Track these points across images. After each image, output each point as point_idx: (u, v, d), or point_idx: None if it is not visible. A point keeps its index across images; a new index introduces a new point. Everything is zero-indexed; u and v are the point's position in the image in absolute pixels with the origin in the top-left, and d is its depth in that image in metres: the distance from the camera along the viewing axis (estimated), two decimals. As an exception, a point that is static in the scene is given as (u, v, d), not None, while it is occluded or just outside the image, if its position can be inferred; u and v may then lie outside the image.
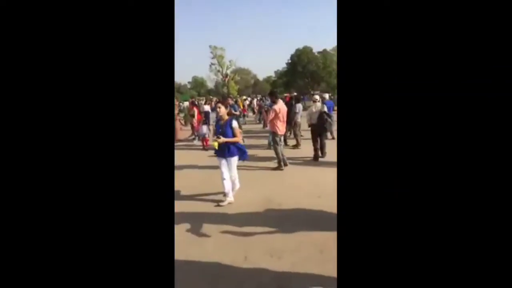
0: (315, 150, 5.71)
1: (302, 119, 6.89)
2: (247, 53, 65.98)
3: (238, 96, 24.49)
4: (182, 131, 9.41)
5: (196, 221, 3.03)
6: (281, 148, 5.07)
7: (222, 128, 3.35)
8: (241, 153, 3.48)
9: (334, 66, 35.09)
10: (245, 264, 2.26)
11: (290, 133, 7.65)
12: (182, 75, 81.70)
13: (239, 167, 3.71)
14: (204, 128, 7.59)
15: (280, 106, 5.10)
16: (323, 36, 72.97)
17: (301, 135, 7.14)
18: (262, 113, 10.21)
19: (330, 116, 5.72)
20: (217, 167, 3.58)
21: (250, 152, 3.94)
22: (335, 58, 35.55)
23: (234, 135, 3.35)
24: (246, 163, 4.40)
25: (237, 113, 7.55)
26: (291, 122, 6.81)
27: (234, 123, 3.40)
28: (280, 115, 5.02)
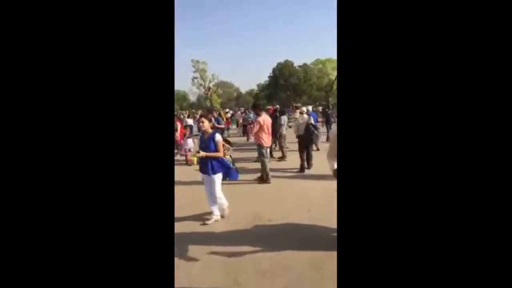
0: (302, 161, 5.71)
1: (289, 130, 6.88)
2: (230, 67, 66.84)
3: (221, 109, 24.47)
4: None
5: (182, 242, 2.82)
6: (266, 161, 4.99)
7: (205, 143, 3.18)
8: (227, 171, 3.25)
9: (315, 80, 36.15)
10: (236, 288, 2.09)
11: (276, 145, 7.62)
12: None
13: (225, 182, 3.51)
14: (189, 142, 7.38)
15: (264, 118, 5.07)
16: (303, 51, 75.45)
17: (287, 147, 7.12)
18: (246, 126, 10.13)
19: (316, 128, 5.77)
20: (202, 183, 3.40)
21: (235, 165, 3.72)
22: (315, 72, 36.81)
23: (217, 150, 3.14)
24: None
25: (222, 126, 7.40)
26: (276, 134, 6.79)
27: (217, 137, 3.20)
28: (264, 127, 4.98)
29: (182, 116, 10.22)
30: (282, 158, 6.84)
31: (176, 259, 2.50)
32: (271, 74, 38.25)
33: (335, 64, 35.48)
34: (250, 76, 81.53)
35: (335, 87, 33.71)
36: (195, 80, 36.92)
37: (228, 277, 2.23)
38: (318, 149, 7.51)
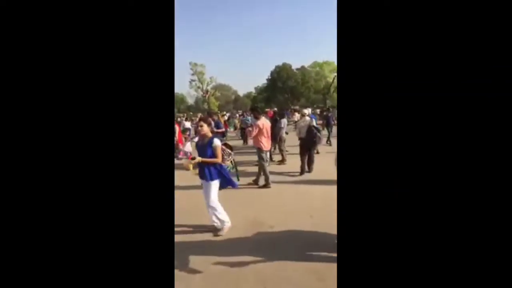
0: (303, 163, 5.64)
1: (289, 133, 6.77)
2: (227, 70, 66.99)
3: (218, 112, 24.50)
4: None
5: (180, 251, 2.73)
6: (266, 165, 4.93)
7: (203, 148, 2.96)
8: (223, 179, 2.98)
9: (313, 82, 36.29)
10: (237, 299, 2.01)
11: (275, 149, 7.55)
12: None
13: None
14: (188, 146, 7.26)
15: (264, 122, 4.96)
16: (301, 53, 75.78)
17: (286, 151, 7.05)
18: (244, 129, 10.04)
19: (319, 131, 5.71)
20: (201, 187, 3.24)
21: (238, 169, 3.51)
22: (313, 75, 36.95)
23: (215, 156, 2.89)
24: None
25: (222, 130, 7.24)
26: (276, 137, 6.72)
27: (216, 142, 2.93)
28: (264, 130, 4.87)
29: (179, 119, 10.12)
30: (282, 161, 6.77)
31: (175, 270, 2.41)
32: (269, 77, 38.36)
33: (332, 67, 35.74)
34: (248, 79, 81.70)
35: (332, 89, 33.91)
36: (193, 83, 37.01)
37: (229, 287, 2.14)
38: (318, 152, 7.46)
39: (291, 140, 8.35)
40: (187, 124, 8.81)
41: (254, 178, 4.99)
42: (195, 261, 2.53)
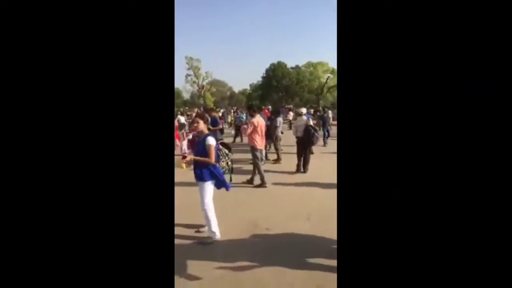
0: (299, 162, 5.65)
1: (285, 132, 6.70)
2: (223, 65, 66.49)
3: (214, 107, 24.32)
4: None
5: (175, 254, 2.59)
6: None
7: (198, 145, 2.81)
8: (216, 179, 2.79)
9: (307, 82, 36.40)
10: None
11: (270, 147, 7.54)
12: (155, 85, 79.42)
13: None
14: (184, 143, 7.13)
15: (258, 120, 4.94)
16: (295, 53, 75.73)
17: (282, 149, 7.05)
18: (239, 127, 9.98)
19: (316, 130, 5.72)
20: (196, 184, 2.94)
21: (232, 172, 3.18)
22: (307, 74, 37.03)
23: (207, 155, 2.69)
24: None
25: (220, 127, 7.10)
26: (272, 136, 6.71)
27: (209, 141, 2.71)
28: (258, 128, 4.84)
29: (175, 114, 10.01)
30: (277, 160, 6.77)
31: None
32: (264, 75, 38.29)
33: (326, 68, 35.85)
34: (244, 76, 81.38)
35: (325, 90, 34.07)
36: (189, 78, 36.60)
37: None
38: (312, 153, 7.50)
39: (286, 139, 8.34)
40: (182, 119, 8.69)
41: (249, 176, 4.97)
42: (191, 266, 2.43)
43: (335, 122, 10.64)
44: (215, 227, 2.84)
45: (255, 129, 4.80)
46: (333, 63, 34.79)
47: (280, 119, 7.16)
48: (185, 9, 66.30)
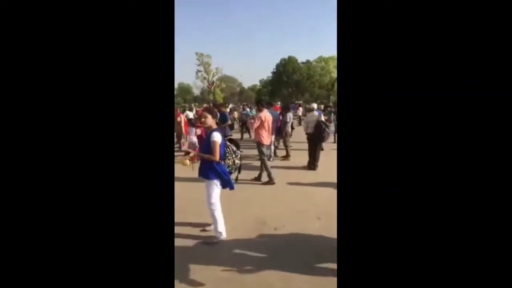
0: (310, 158, 5.54)
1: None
2: (233, 61, 66.31)
3: (224, 103, 24.34)
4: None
5: (178, 256, 2.46)
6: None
7: (204, 141, 2.67)
8: (220, 177, 2.64)
9: (318, 77, 35.85)
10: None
11: (279, 143, 7.41)
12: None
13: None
14: (193, 137, 7.06)
15: (266, 115, 4.80)
16: (306, 47, 74.64)
17: (291, 146, 6.90)
18: (246, 122, 9.82)
19: (327, 126, 5.57)
20: (201, 180, 2.83)
21: (239, 171, 2.97)
22: (318, 69, 36.44)
23: (211, 152, 2.55)
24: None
25: (229, 122, 6.94)
26: (282, 132, 6.57)
27: (214, 137, 2.56)
28: (265, 123, 4.71)
29: (183, 109, 10.00)
30: (286, 157, 6.63)
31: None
32: (274, 70, 37.91)
33: (337, 62, 35.19)
34: (254, 71, 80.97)
35: (337, 85, 33.44)
36: (199, 73, 36.70)
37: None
38: (322, 149, 7.31)
39: (295, 136, 8.17)
40: (191, 114, 8.65)
41: (258, 173, 4.85)
42: (195, 267, 2.32)
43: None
44: (221, 227, 2.74)
45: (262, 124, 4.68)
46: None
47: (290, 115, 7.00)
48: (197, 6, 66.38)
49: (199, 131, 6.90)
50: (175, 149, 7.90)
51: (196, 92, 44.92)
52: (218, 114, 5.75)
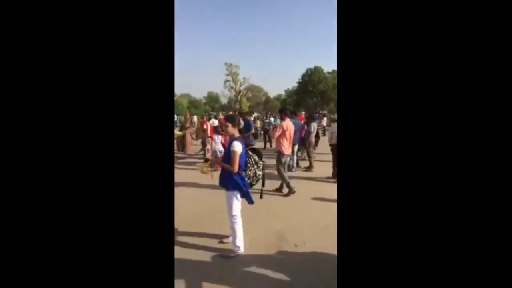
0: (334, 169, 5.39)
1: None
2: (259, 71, 67.16)
3: (249, 111, 24.59)
4: (192, 146, 9.03)
5: (191, 268, 2.37)
6: (283, 170, 4.58)
7: (226, 150, 2.53)
8: (239, 189, 2.48)
9: (344, 87, 35.06)
10: None
11: (303, 154, 7.21)
12: (198, 90, 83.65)
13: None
14: (219, 145, 7.11)
15: (288, 124, 4.66)
16: (333, 58, 73.67)
17: (314, 157, 6.68)
18: (267, 130, 9.71)
19: None
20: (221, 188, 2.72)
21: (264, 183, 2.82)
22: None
23: (230, 163, 2.43)
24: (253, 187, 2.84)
25: (253, 131, 6.81)
26: (305, 142, 6.39)
27: (235, 147, 2.43)
28: (287, 133, 4.57)
29: (210, 117, 10.21)
30: (309, 168, 6.42)
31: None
32: (300, 80, 37.74)
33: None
34: (280, 81, 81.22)
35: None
36: (227, 83, 37.59)
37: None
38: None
39: (321, 146, 7.94)
40: (216, 122, 8.77)
41: (280, 183, 4.71)
42: (207, 282, 2.19)
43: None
44: (239, 241, 2.58)
45: (283, 134, 4.56)
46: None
47: (314, 125, 6.81)
48: (227, 14, 68.81)
49: (222, 139, 6.95)
50: (200, 155, 8.04)
51: (224, 101, 45.87)
52: (242, 122, 5.67)
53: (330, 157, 5.72)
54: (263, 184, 2.77)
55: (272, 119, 11.18)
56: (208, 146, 8.04)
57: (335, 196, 4.36)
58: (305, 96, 36.92)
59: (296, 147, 6.04)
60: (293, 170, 6.04)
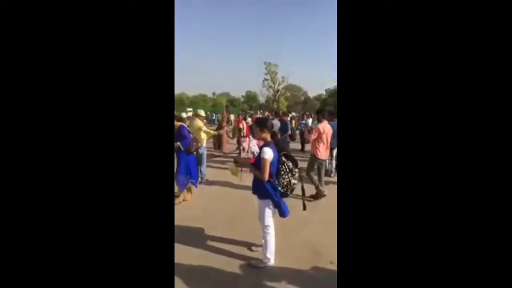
0: None
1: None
2: (299, 70, 65.85)
3: (287, 111, 24.22)
4: (228, 144, 9.09)
5: (217, 275, 2.27)
6: (318, 175, 4.29)
7: (258, 155, 2.33)
8: (271, 199, 2.28)
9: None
10: None
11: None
12: (237, 88, 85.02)
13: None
14: (254, 144, 6.99)
15: (325, 127, 4.27)
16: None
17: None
18: (303, 132, 9.26)
19: None
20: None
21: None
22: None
23: (260, 170, 2.23)
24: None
25: (289, 132, 6.47)
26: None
27: (265, 153, 2.22)
28: (323, 136, 4.21)
29: (245, 116, 10.23)
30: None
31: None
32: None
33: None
34: (319, 80, 78.82)
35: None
36: (265, 82, 37.64)
37: None
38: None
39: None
40: (249, 121, 8.74)
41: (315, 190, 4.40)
42: None
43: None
44: (270, 253, 2.39)
45: (319, 137, 4.21)
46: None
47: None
48: (268, 15, 68.98)
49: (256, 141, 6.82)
50: (236, 154, 8.01)
51: (262, 99, 46.03)
52: (278, 123, 5.35)
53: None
54: (303, 194, 2.51)
55: (309, 120, 10.73)
56: (244, 145, 8.00)
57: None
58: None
59: (335, 151, 5.62)
60: (332, 175, 5.66)
